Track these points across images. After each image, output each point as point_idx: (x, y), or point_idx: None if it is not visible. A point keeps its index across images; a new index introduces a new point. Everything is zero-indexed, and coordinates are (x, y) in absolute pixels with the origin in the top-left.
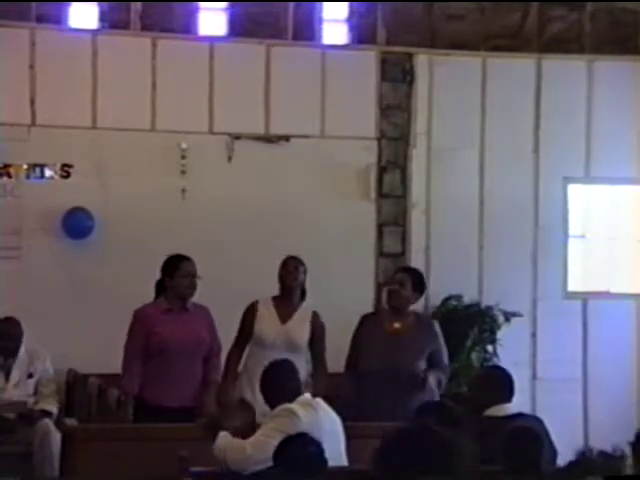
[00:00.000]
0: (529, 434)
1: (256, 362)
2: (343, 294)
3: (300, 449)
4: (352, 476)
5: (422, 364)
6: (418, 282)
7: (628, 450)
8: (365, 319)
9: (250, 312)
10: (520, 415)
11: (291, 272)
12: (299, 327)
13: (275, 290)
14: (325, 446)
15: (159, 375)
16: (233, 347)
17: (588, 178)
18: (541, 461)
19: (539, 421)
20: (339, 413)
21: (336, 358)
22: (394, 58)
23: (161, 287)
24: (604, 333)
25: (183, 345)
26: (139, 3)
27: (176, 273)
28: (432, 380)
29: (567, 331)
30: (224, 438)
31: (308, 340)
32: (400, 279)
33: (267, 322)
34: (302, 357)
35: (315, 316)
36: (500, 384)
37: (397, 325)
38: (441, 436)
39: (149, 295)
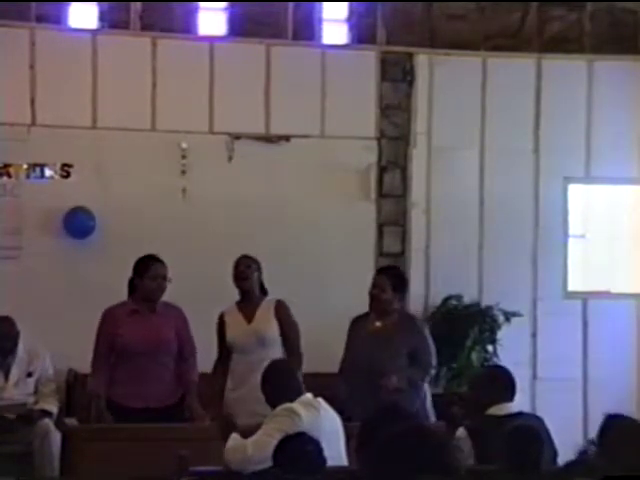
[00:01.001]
0: (529, 433)
1: (237, 367)
2: (343, 294)
3: (299, 448)
4: (352, 476)
5: (402, 362)
6: (398, 283)
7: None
8: (354, 321)
9: (220, 324)
10: (521, 414)
11: (241, 272)
12: (265, 322)
13: (275, 289)
14: (325, 445)
15: (125, 375)
16: (216, 362)
17: (588, 178)
18: (541, 460)
19: (540, 420)
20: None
21: (336, 359)
22: (394, 58)
23: (132, 286)
24: (604, 333)
25: (146, 346)
26: (139, 3)
27: (145, 274)
28: (394, 379)
29: (567, 331)
30: (232, 441)
31: (279, 332)
32: (379, 283)
33: (234, 327)
34: (278, 351)
35: (279, 304)
36: (502, 383)
37: (378, 324)
38: (436, 436)
39: None
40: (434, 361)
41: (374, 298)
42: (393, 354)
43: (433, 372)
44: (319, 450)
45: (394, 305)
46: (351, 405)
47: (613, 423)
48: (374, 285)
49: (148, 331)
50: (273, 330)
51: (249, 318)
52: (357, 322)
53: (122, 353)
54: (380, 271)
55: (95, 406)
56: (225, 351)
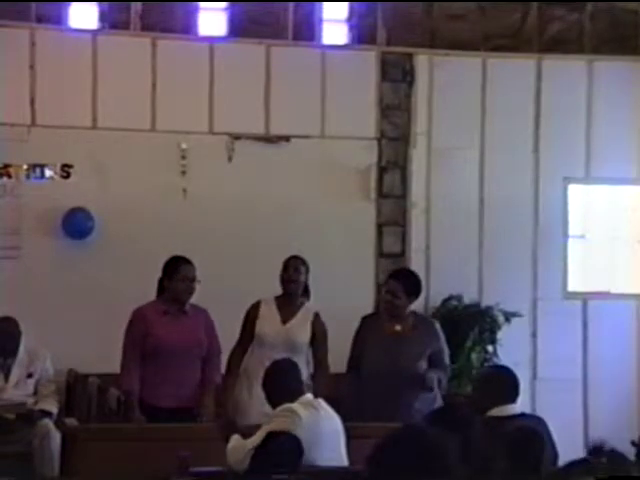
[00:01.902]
0: (531, 434)
1: (256, 362)
2: (343, 294)
3: (275, 445)
4: (352, 476)
5: (423, 365)
6: (412, 288)
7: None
8: (366, 320)
9: (253, 311)
10: (523, 415)
11: (290, 274)
12: (300, 327)
13: (275, 290)
14: (325, 446)
15: (155, 376)
16: (236, 347)
17: (588, 178)
18: (542, 462)
19: (542, 422)
20: (339, 414)
21: (336, 358)
22: (394, 58)
23: (162, 286)
24: (604, 333)
25: (179, 347)
26: (139, 3)
27: (175, 276)
28: (434, 379)
29: (567, 331)
30: (233, 441)
31: (309, 341)
32: (391, 289)
33: (268, 322)
34: (302, 358)
35: (317, 317)
36: (504, 385)
37: (397, 327)
38: (433, 438)
39: (149, 295)
40: (448, 362)
41: (387, 305)
42: (417, 357)
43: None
44: (298, 446)
45: (408, 310)
46: (363, 406)
47: None
48: (387, 291)
49: (181, 332)
50: (304, 338)
51: (285, 318)
52: (369, 321)
53: (154, 353)
54: (393, 275)
55: (126, 404)
56: (248, 339)
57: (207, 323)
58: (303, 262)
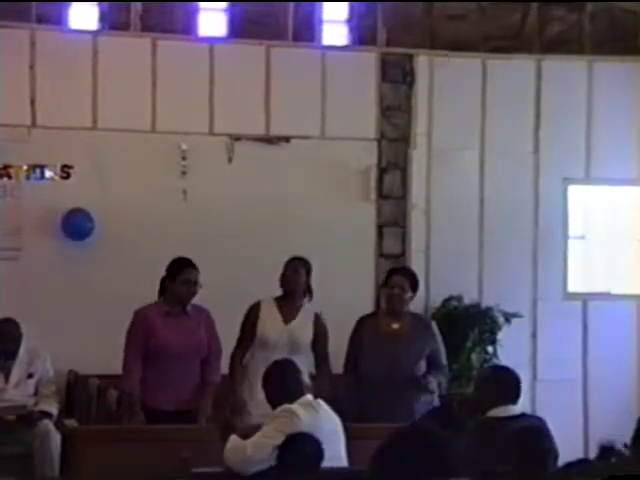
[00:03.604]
0: (537, 433)
1: (258, 363)
2: (343, 295)
3: (299, 448)
4: (352, 477)
5: (422, 365)
6: (415, 282)
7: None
8: (362, 321)
9: (253, 312)
10: (523, 416)
11: (290, 275)
12: (302, 327)
13: (275, 290)
14: (325, 447)
15: (157, 378)
16: (236, 349)
17: (588, 179)
18: (548, 462)
19: (542, 422)
20: (338, 414)
21: (335, 359)
22: (394, 59)
23: (164, 286)
24: (604, 334)
25: (181, 349)
26: (139, 4)
27: (178, 278)
28: (434, 384)
29: (567, 332)
30: (231, 442)
31: (311, 341)
32: (399, 283)
33: (270, 322)
34: (304, 358)
35: (318, 318)
36: (504, 385)
37: (395, 326)
38: (438, 437)
39: (149, 296)
40: (446, 362)
41: (395, 298)
42: (415, 356)
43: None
44: (319, 450)
45: (407, 307)
46: (362, 406)
47: None
48: (393, 286)
49: (183, 334)
50: (307, 338)
51: (287, 318)
52: (365, 322)
53: (155, 355)
54: (396, 271)
55: (127, 405)
56: (248, 341)
57: (208, 323)
58: (305, 263)
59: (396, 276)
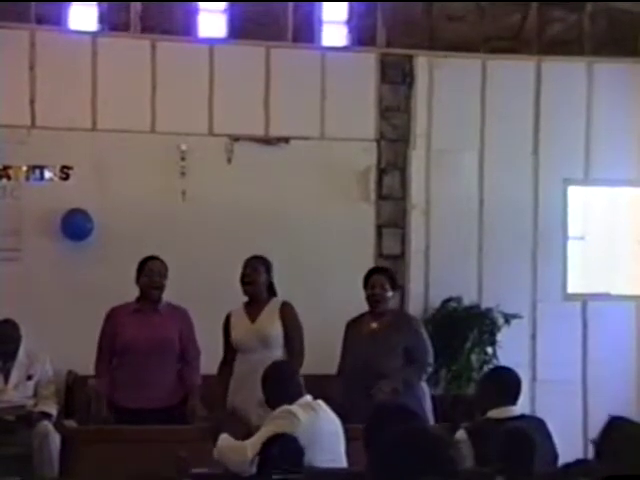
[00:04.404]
0: (521, 437)
1: (240, 367)
2: (342, 296)
3: (278, 451)
4: (352, 478)
5: (397, 361)
6: (393, 280)
7: None
8: (349, 324)
9: (225, 325)
10: (523, 417)
11: (246, 275)
12: (268, 321)
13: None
14: (325, 447)
15: (127, 375)
16: (221, 362)
17: (588, 180)
18: (533, 464)
19: (542, 423)
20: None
21: (335, 360)
22: (394, 60)
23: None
24: (604, 335)
25: (147, 346)
26: (139, 4)
27: (141, 273)
28: (394, 383)
29: (567, 333)
30: (224, 441)
31: (282, 334)
32: (379, 282)
33: (239, 326)
34: (279, 352)
35: (285, 305)
36: (503, 386)
37: (374, 325)
38: (433, 438)
39: None
40: (431, 359)
41: (377, 298)
42: (389, 354)
43: (430, 370)
44: (299, 449)
45: (391, 304)
46: (349, 406)
47: (615, 425)
48: (374, 285)
49: (149, 330)
50: (276, 330)
51: (253, 318)
52: (353, 325)
53: (123, 352)
54: (374, 271)
55: (96, 406)
56: (230, 352)
57: (183, 322)
58: (263, 261)
59: (375, 275)
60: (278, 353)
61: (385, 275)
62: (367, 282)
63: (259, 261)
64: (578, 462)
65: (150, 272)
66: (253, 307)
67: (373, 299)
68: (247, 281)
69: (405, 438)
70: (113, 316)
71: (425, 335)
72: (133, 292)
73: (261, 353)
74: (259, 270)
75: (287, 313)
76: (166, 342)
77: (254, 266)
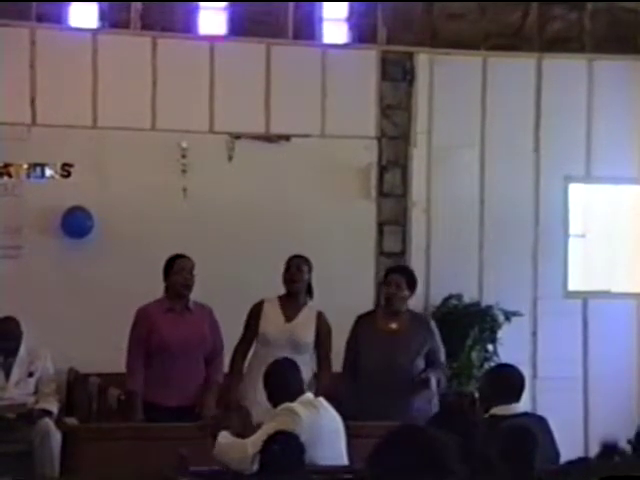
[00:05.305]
0: (523, 433)
1: (260, 361)
2: (343, 293)
3: (279, 449)
4: (353, 475)
5: (420, 363)
6: (412, 281)
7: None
8: (360, 319)
9: (256, 311)
10: (525, 414)
11: (292, 273)
12: (304, 326)
13: (275, 289)
14: (326, 445)
15: (160, 374)
16: (238, 345)
17: (589, 177)
18: (534, 461)
19: (544, 421)
20: (339, 413)
21: (335, 357)
22: (394, 57)
23: (166, 285)
24: (604, 332)
25: (183, 345)
26: (139, 2)
27: (171, 271)
28: (433, 380)
29: (567, 330)
30: (225, 438)
31: (314, 340)
32: (395, 281)
33: (272, 321)
34: (306, 357)
35: (320, 317)
36: (507, 383)
37: (393, 324)
38: (433, 437)
39: (149, 294)
40: (445, 360)
41: (393, 298)
42: (412, 355)
43: (447, 371)
44: (300, 447)
45: (407, 304)
46: (360, 405)
47: None
48: (389, 284)
49: (186, 330)
50: (309, 337)
51: (289, 317)
52: (364, 320)
53: (158, 351)
54: (394, 270)
55: (128, 404)
56: (250, 336)
57: (211, 321)
58: (306, 261)
59: (393, 274)
60: (305, 359)
61: (403, 275)
62: (385, 280)
63: (302, 260)
64: (580, 460)
65: (182, 270)
66: (290, 305)
67: (389, 298)
68: (294, 280)
69: (405, 437)
70: (146, 316)
71: (440, 337)
72: (133, 289)
73: (289, 354)
74: (303, 269)
75: (323, 326)
76: (201, 341)
77: (298, 265)
